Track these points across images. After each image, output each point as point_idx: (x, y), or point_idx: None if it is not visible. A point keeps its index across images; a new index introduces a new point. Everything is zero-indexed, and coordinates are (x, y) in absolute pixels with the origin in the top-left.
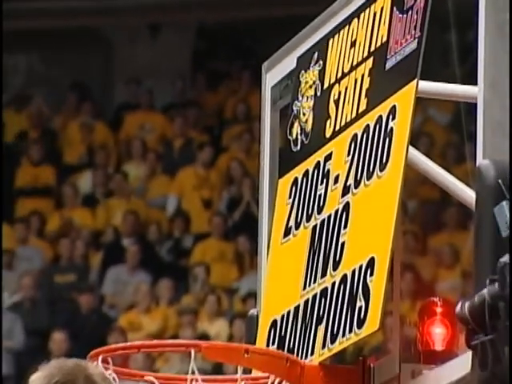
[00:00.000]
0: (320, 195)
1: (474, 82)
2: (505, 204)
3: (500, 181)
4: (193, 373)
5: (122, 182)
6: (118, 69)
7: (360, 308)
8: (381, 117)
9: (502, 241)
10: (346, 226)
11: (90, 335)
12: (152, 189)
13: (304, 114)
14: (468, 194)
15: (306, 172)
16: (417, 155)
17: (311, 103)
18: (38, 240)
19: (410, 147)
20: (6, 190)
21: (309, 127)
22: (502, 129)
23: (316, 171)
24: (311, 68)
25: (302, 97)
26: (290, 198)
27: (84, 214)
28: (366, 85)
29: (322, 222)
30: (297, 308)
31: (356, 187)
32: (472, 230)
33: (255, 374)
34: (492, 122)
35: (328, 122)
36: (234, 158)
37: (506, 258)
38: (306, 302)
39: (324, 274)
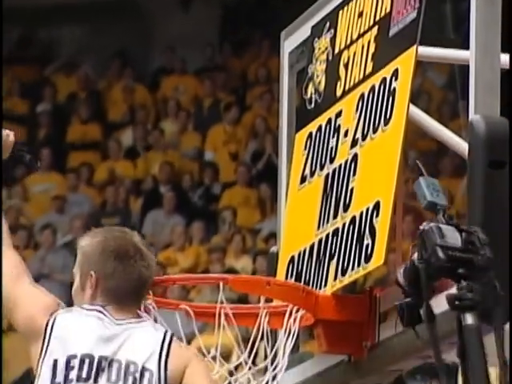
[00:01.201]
0: (331, 147)
1: (467, 47)
2: (421, 180)
3: (417, 161)
4: (221, 302)
5: (159, 136)
6: (155, 38)
7: (367, 245)
8: (385, 78)
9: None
10: (354, 174)
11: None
12: (185, 143)
13: (317, 76)
14: (461, 146)
15: (320, 127)
16: (416, 111)
17: (324, 67)
18: (87, 188)
19: (411, 105)
20: (58, 145)
21: (321, 88)
22: (491, 88)
23: (328, 126)
24: (324, 36)
25: (316, 61)
26: (305, 149)
27: (126, 165)
28: (371, 50)
29: (334, 170)
30: (312, 246)
31: (363, 140)
32: (465, 176)
33: (276, 303)
34: (483, 82)
35: (338, 83)
36: (257, 116)
37: (425, 224)
38: (320, 240)
39: (335, 216)
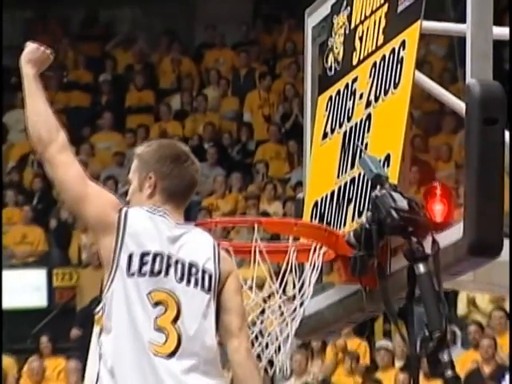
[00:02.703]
0: (349, 108)
1: (464, 22)
2: (366, 157)
3: (358, 145)
4: (256, 241)
5: (202, 101)
6: (198, 18)
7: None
8: (394, 48)
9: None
10: (368, 131)
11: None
12: (224, 106)
13: (336, 48)
14: (460, 106)
15: (338, 91)
16: (421, 77)
17: (342, 39)
18: None
19: (416, 71)
20: (118, 109)
21: (340, 57)
22: (485, 56)
23: (346, 90)
24: (341, 13)
25: (335, 35)
26: (326, 110)
27: (175, 125)
28: (382, 25)
29: (351, 128)
30: (332, 192)
31: (376, 101)
32: (463, 132)
33: (302, 241)
34: (477, 51)
35: (354, 53)
36: (285, 83)
37: (376, 191)
38: (340, 187)
39: (352, 167)
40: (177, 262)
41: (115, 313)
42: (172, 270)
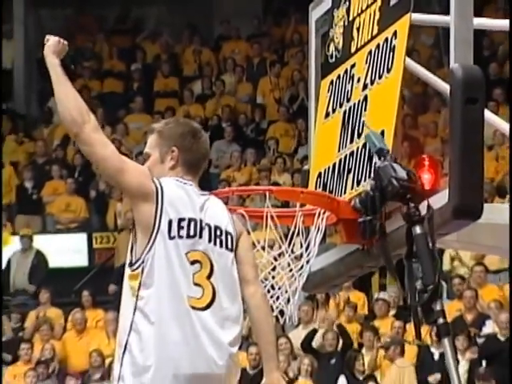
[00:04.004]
0: (348, 90)
1: (448, 14)
2: (370, 133)
3: (365, 122)
4: (268, 207)
5: (221, 86)
6: (215, 13)
7: (375, 163)
8: (387, 38)
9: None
10: (365, 110)
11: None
12: (240, 91)
13: (337, 38)
14: (445, 87)
15: (339, 76)
16: (411, 63)
17: (341, 30)
18: None
19: (407, 58)
20: (147, 94)
21: (340, 46)
22: (466, 44)
23: (345, 75)
24: (341, 7)
25: (335, 26)
26: (328, 92)
27: (197, 107)
28: (377, 17)
29: (350, 107)
30: (334, 164)
31: (371, 84)
32: (447, 111)
33: (308, 207)
34: (460, 39)
35: (352, 42)
36: (293, 70)
37: (379, 163)
38: (340, 160)
39: (351, 141)
40: (206, 226)
41: (157, 270)
42: (204, 233)
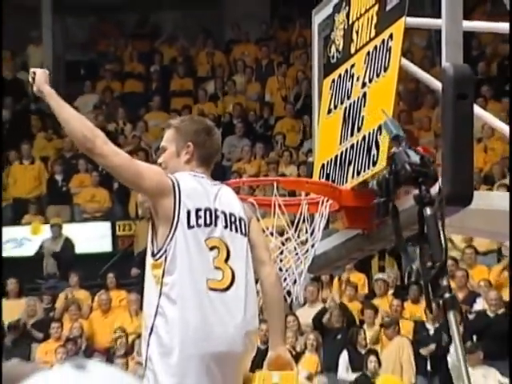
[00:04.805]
0: (348, 88)
1: (439, 17)
2: (388, 120)
3: (383, 109)
4: (275, 196)
5: (232, 86)
6: (226, 19)
7: (373, 154)
8: (384, 40)
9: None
10: (364, 106)
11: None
12: (250, 90)
13: (338, 40)
14: (437, 85)
15: (340, 75)
16: (406, 63)
17: (342, 33)
18: None
19: (402, 58)
20: (165, 93)
21: (340, 47)
22: (456, 45)
23: (345, 74)
24: (341, 12)
25: (336, 29)
26: (330, 90)
27: (210, 105)
28: (374, 21)
29: (350, 104)
30: (336, 156)
31: (370, 82)
32: (440, 107)
33: (312, 195)
34: (451, 41)
35: (352, 44)
36: (298, 70)
37: (395, 149)
38: (342, 152)
39: (352, 135)
40: (221, 213)
41: (179, 258)
42: (219, 221)
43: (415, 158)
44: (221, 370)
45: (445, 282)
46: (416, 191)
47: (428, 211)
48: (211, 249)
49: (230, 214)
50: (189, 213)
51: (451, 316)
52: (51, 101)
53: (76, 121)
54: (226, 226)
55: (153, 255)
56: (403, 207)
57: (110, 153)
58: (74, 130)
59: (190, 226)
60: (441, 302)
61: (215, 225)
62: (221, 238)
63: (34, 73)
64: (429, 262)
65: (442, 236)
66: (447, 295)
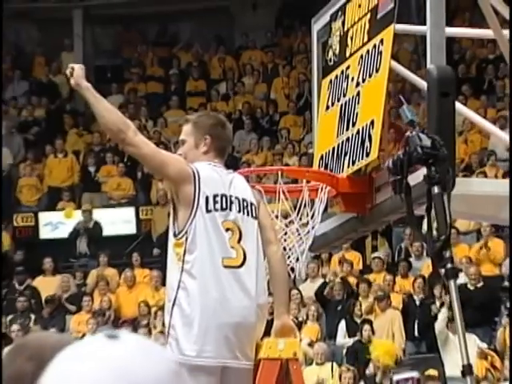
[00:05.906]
0: (344, 88)
1: (425, 24)
2: (404, 107)
3: (400, 96)
4: (280, 184)
5: (241, 87)
6: (236, 28)
7: (367, 146)
8: (375, 44)
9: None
10: (358, 103)
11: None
12: (257, 90)
13: (334, 45)
14: (423, 84)
15: (336, 76)
16: (395, 64)
17: (338, 39)
18: None
19: (391, 60)
20: (182, 94)
21: (337, 52)
22: (440, 49)
23: (341, 75)
24: (338, 20)
25: (333, 36)
26: (328, 90)
27: (222, 104)
28: (367, 28)
29: (346, 101)
30: (333, 148)
31: (363, 82)
32: (425, 103)
33: (312, 183)
34: (435, 45)
35: (347, 48)
36: (299, 72)
37: (409, 133)
38: (339, 144)
39: (347, 129)
40: (235, 199)
41: (198, 238)
42: (233, 206)
43: (426, 142)
44: (237, 338)
45: (448, 254)
46: (426, 171)
47: (436, 189)
48: (226, 230)
49: (243, 200)
50: (207, 199)
51: (452, 284)
52: (87, 94)
53: (111, 114)
54: (239, 211)
55: (175, 235)
56: (384, 197)
57: (139, 143)
58: (108, 121)
59: (208, 211)
60: (443, 270)
61: (230, 209)
62: (235, 221)
63: (73, 68)
64: (435, 234)
65: (447, 212)
66: (449, 266)
